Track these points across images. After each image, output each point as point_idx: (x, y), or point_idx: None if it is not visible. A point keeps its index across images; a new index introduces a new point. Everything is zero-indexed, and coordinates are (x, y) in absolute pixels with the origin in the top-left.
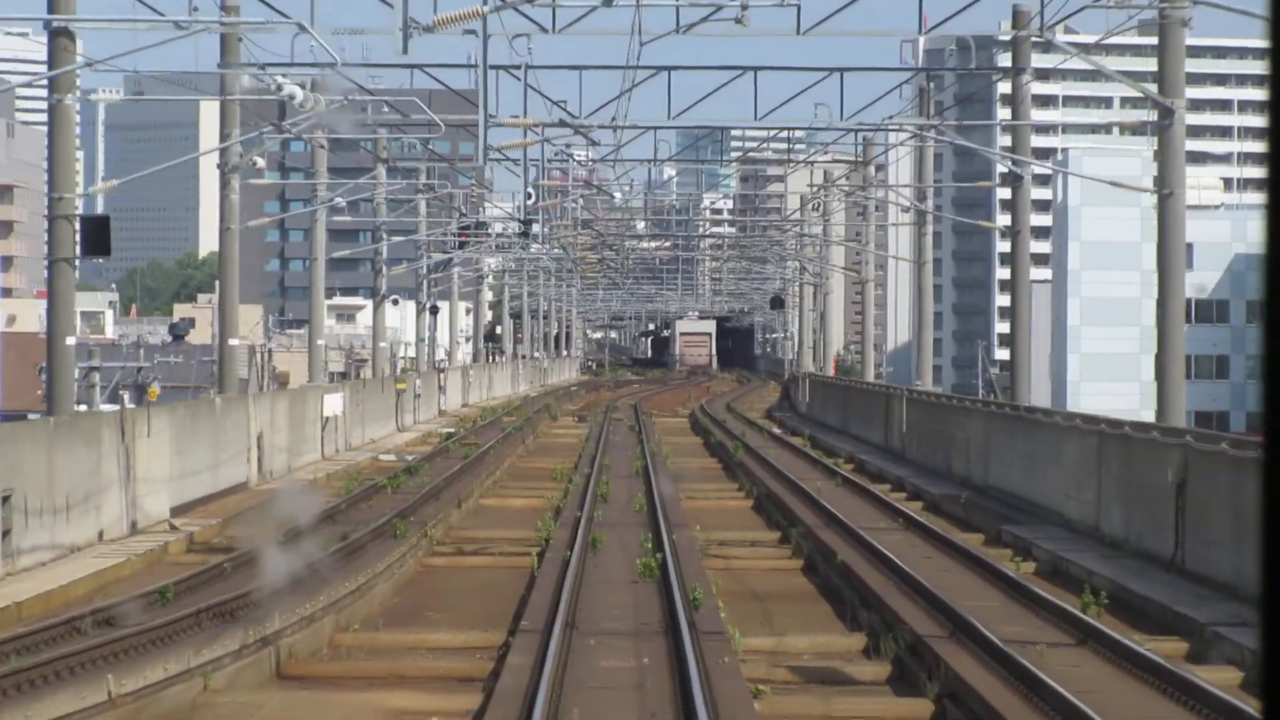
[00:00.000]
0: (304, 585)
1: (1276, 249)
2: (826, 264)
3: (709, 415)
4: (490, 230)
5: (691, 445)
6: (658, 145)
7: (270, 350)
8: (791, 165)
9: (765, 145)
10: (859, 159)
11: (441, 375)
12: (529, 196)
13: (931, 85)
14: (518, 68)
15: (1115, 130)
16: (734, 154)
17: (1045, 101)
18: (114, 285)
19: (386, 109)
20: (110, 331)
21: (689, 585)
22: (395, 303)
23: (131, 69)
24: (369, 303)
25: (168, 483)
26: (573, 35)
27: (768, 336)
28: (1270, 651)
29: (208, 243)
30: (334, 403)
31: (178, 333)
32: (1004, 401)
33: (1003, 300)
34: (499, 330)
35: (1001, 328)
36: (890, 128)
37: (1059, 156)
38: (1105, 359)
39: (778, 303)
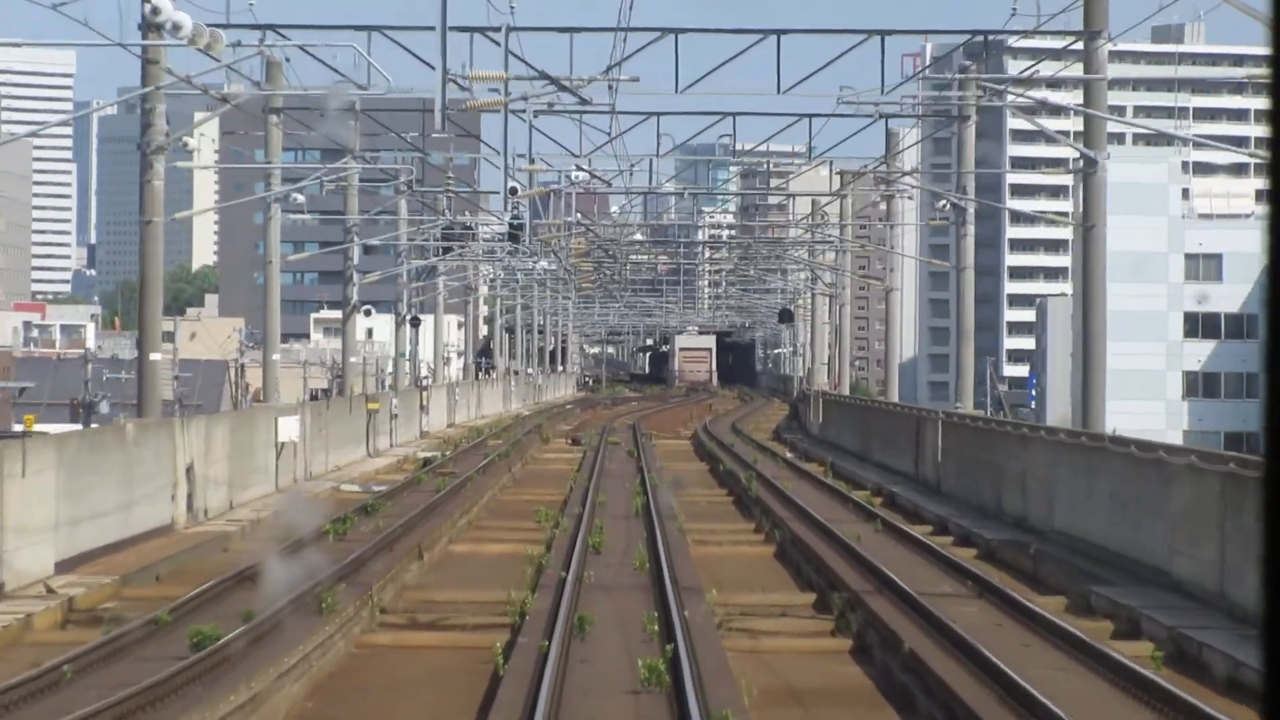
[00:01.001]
0: (175, 694)
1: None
2: (842, 272)
3: (713, 437)
4: (475, 232)
5: (696, 473)
6: (655, 175)
7: (243, 366)
8: (800, 166)
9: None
10: (884, 158)
11: (424, 393)
12: (514, 192)
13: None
14: (497, 29)
15: (1129, 139)
16: (735, 166)
17: (1056, 111)
18: (96, 299)
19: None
20: (91, 345)
21: (711, 700)
22: (368, 313)
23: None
24: (358, 316)
25: (52, 532)
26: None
27: (769, 352)
28: (1272, 657)
29: (201, 255)
30: (290, 426)
31: None
32: (1079, 430)
33: (1012, 315)
34: (493, 345)
35: (1011, 343)
36: (905, 111)
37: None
38: (1128, 375)
39: (787, 316)
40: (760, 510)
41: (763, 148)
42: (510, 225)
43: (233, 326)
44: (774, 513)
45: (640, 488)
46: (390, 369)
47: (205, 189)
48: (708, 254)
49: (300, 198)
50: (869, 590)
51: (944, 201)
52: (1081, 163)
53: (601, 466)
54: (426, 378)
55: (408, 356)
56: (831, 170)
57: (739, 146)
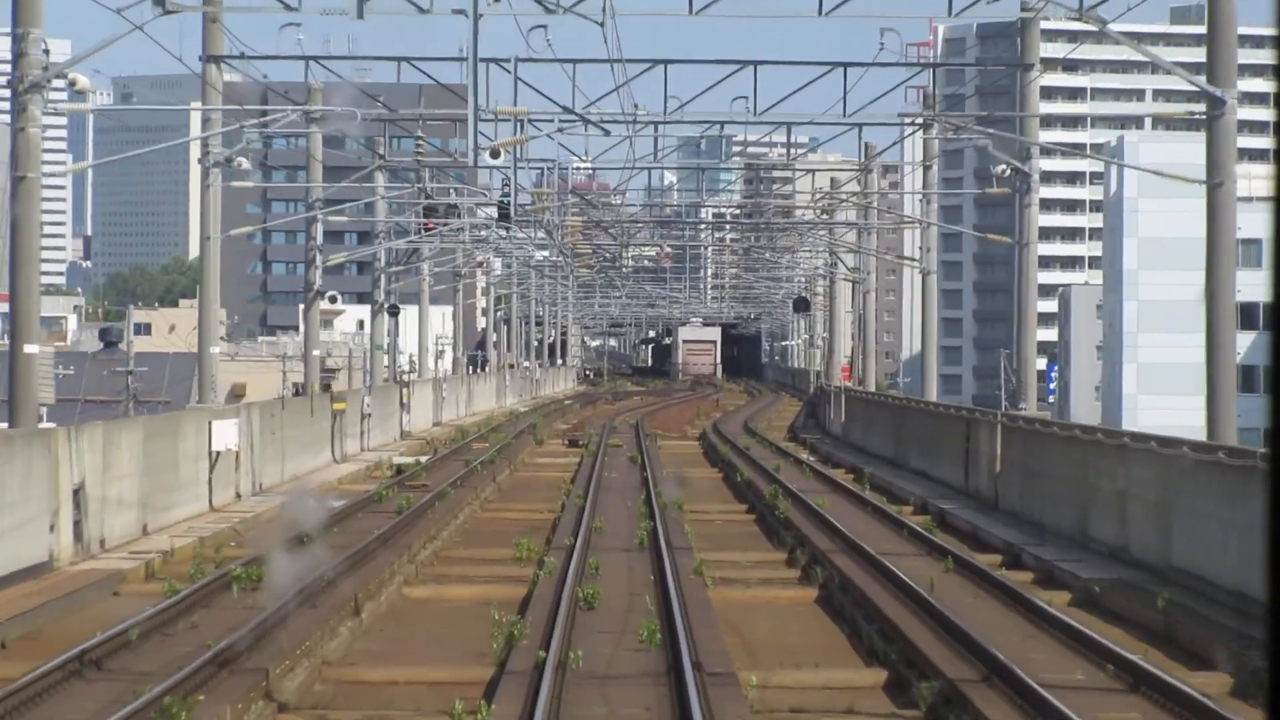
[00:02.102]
0: None
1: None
2: (866, 254)
3: (725, 439)
4: (460, 210)
5: (709, 483)
6: (658, 146)
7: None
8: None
9: (769, 143)
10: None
11: (405, 390)
12: (494, 154)
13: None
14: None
15: (1148, 124)
16: (736, 153)
17: (1074, 94)
18: (78, 289)
19: (381, 103)
20: (71, 337)
21: None
22: (333, 299)
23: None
24: (349, 308)
25: None
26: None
27: (776, 344)
28: (1275, 657)
29: (196, 248)
30: (226, 432)
31: (109, 339)
32: (1213, 444)
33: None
34: (488, 337)
35: None
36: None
37: (1111, 144)
38: (1166, 370)
39: (803, 305)
40: (793, 537)
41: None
42: (499, 205)
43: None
44: (810, 540)
45: (645, 506)
46: (386, 362)
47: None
48: (713, 234)
49: (245, 162)
50: (970, 678)
51: (1003, 166)
52: (1206, 104)
53: (600, 476)
54: (410, 372)
55: (385, 349)
56: (861, 135)
57: (745, 137)
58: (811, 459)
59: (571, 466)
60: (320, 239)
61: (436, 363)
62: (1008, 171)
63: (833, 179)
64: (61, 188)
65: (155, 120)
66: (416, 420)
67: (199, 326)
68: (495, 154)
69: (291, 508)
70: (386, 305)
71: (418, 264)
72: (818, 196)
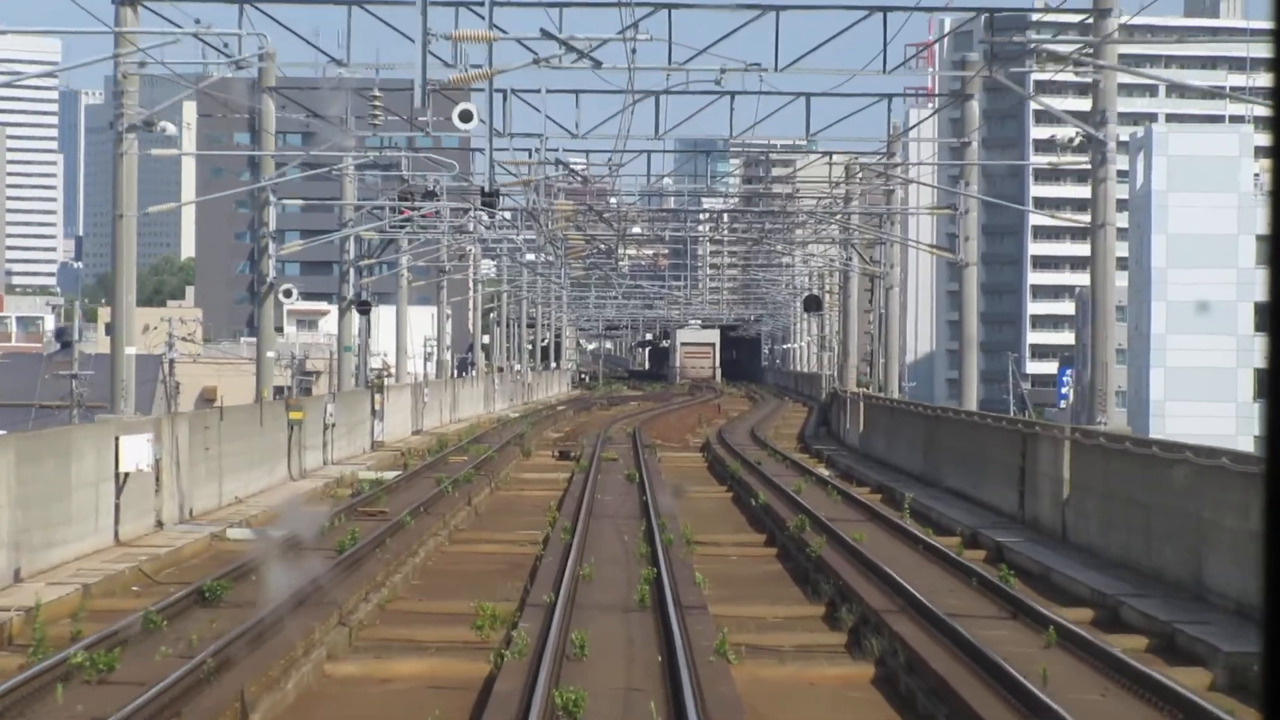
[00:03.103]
0: None
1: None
2: (888, 244)
3: (732, 450)
4: (439, 190)
5: (718, 506)
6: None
7: (172, 361)
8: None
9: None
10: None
11: (378, 396)
12: (466, 117)
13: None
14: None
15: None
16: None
17: (1084, 90)
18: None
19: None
20: (48, 338)
21: None
22: (288, 293)
23: None
24: (334, 309)
25: None
26: None
27: (777, 347)
28: (1271, 658)
29: (190, 247)
30: (138, 450)
31: (64, 339)
32: None
33: (1035, 308)
34: (476, 337)
35: (1034, 338)
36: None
37: (1138, 132)
38: (1196, 374)
39: (813, 303)
40: (831, 585)
41: (761, 137)
42: (482, 191)
43: (192, 317)
44: (853, 591)
45: (644, 540)
46: (367, 366)
47: (193, 178)
48: (720, 220)
49: (170, 127)
50: None
51: (1073, 133)
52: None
53: (593, 499)
54: (385, 375)
55: (355, 351)
56: (890, 109)
57: (735, 134)
58: (829, 474)
59: (561, 484)
60: (273, 224)
61: (429, 365)
62: (1077, 139)
63: (846, 167)
64: (52, 188)
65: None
66: (393, 429)
67: (112, 322)
68: (466, 117)
69: (238, 533)
70: (356, 302)
71: (395, 257)
72: (836, 181)
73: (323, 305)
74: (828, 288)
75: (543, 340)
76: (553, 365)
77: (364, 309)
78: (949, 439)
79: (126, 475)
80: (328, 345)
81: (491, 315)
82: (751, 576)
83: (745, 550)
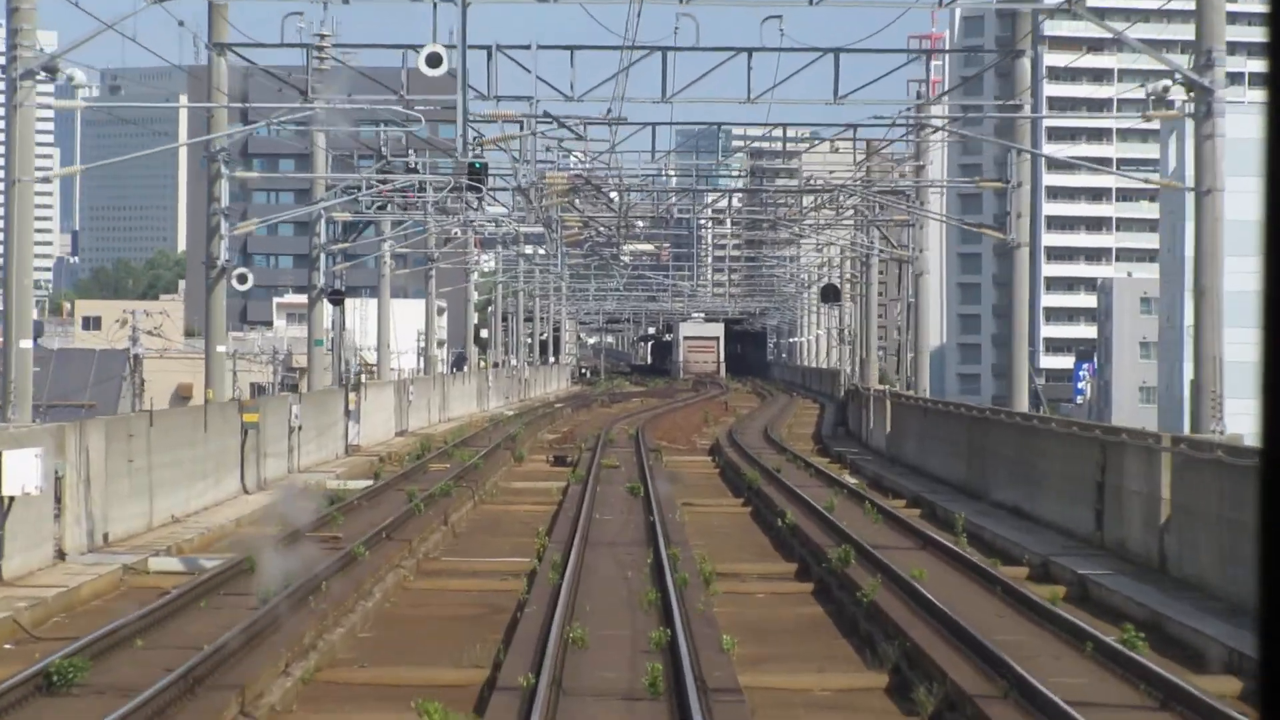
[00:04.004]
0: None
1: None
2: (919, 226)
3: (745, 454)
4: (424, 174)
5: (735, 524)
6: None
7: (137, 356)
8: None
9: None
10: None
11: (353, 395)
12: (433, 61)
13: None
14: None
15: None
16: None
17: (1099, 76)
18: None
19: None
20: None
21: None
22: (243, 279)
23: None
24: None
25: None
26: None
27: (783, 341)
28: (1268, 657)
29: (185, 242)
30: (23, 468)
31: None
32: None
33: (1049, 300)
34: (484, 334)
35: (1048, 331)
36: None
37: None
38: (1233, 369)
39: (831, 293)
40: (896, 647)
41: (781, 99)
42: (470, 167)
43: (159, 310)
44: (929, 660)
45: (653, 581)
46: (341, 361)
47: (189, 172)
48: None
49: (79, 74)
50: None
51: (1166, 81)
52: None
53: (589, 521)
54: (365, 371)
55: (327, 345)
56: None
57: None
58: (855, 482)
59: (554, 496)
60: (226, 198)
61: (423, 360)
62: (1173, 85)
63: (869, 143)
64: (48, 182)
65: (145, 113)
66: (373, 430)
67: (4, 310)
68: (434, 61)
69: (162, 563)
70: (328, 292)
71: (376, 239)
72: (859, 160)
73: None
74: (847, 275)
75: (541, 334)
76: (552, 360)
77: (336, 299)
78: (998, 445)
79: (11, 500)
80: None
81: (489, 309)
82: (787, 626)
83: (774, 585)
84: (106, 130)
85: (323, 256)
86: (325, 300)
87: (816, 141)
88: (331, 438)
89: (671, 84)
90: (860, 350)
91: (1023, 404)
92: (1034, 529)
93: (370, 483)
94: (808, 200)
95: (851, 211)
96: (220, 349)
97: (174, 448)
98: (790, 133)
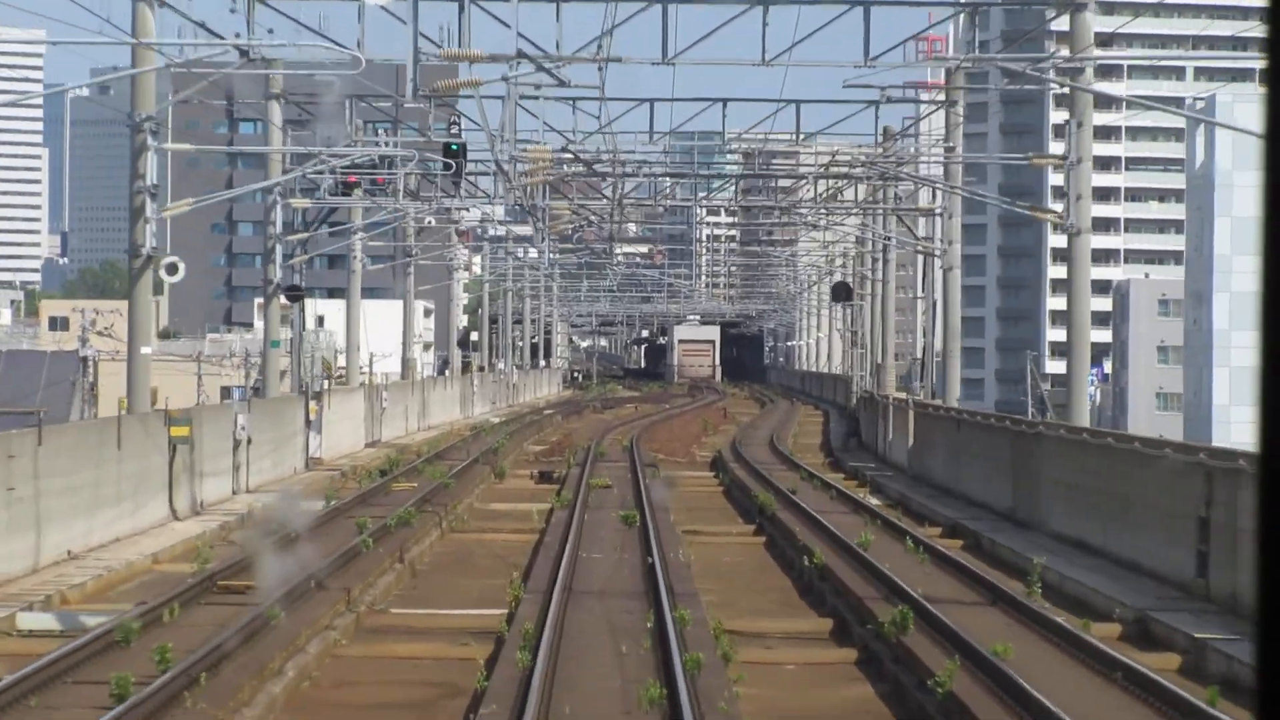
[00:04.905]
0: None
1: (1275, 249)
2: (948, 216)
3: (752, 469)
4: (396, 159)
5: (749, 560)
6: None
7: (85, 359)
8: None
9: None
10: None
11: (313, 404)
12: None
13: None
14: None
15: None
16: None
17: (1108, 71)
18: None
19: None
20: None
21: None
22: (173, 270)
23: None
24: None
25: None
26: None
27: (781, 344)
28: (1266, 657)
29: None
30: None
31: None
32: None
33: (1056, 303)
34: (473, 336)
35: (1054, 335)
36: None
37: (1193, 103)
38: (1243, 375)
39: (843, 292)
40: None
41: (759, 134)
42: (446, 148)
43: (119, 310)
44: None
45: (655, 658)
46: (301, 365)
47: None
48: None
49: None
50: None
51: None
52: None
53: (574, 561)
54: (330, 376)
55: (286, 347)
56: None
57: (732, 133)
58: (876, 502)
59: (536, 522)
60: (153, 175)
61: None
62: None
63: (885, 128)
64: (37, 183)
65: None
66: (339, 441)
67: None
68: None
69: (31, 619)
70: (285, 288)
71: (346, 226)
72: (883, 136)
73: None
74: (862, 271)
75: (532, 336)
76: (542, 364)
77: (295, 295)
78: (1054, 466)
79: None
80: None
81: (479, 311)
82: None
83: (807, 651)
84: (98, 130)
85: (278, 247)
86: (283, 297)
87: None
88: (290, 451)
89: (674, 44)
90: (875, 354)
91: (1084, 416)
92: (1111, 570)
93: (333, 497)
94: (817, 186)
95: (867, 197)
96: (145, 350)
97: (73, 470)
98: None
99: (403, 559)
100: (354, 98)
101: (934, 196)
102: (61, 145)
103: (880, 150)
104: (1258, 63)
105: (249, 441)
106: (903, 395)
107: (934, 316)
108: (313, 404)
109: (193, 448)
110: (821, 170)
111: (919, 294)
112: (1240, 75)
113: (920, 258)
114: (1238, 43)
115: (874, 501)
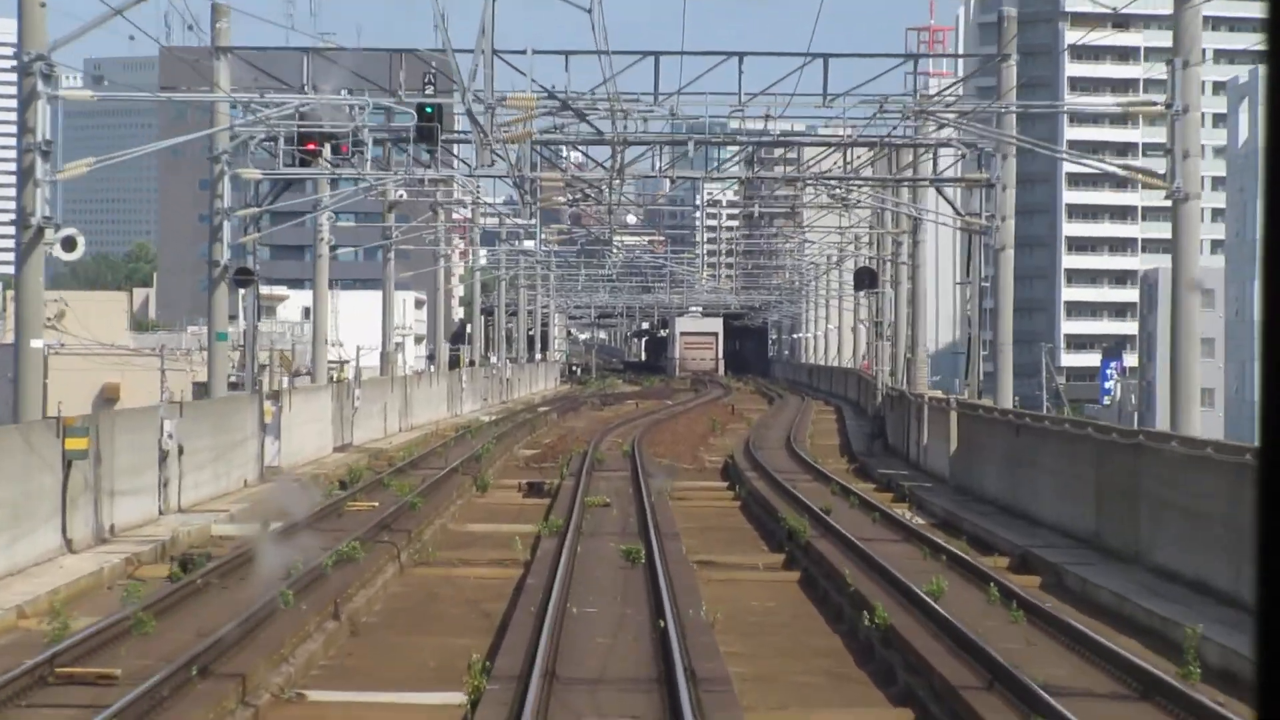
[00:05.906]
0: None
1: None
2: (1001, 189)
3: (772, 480)
4: (362, 137)
5: (782, 605)
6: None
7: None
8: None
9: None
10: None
11: (270, 404)
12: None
13: None
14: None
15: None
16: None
17: (1124, 55)
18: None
19: None
20: None
21: None
22: (70, 245)
23: None
24: (292, 293)
25: None
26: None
27: (786, 336)
28: (1265, 656)
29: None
30: None
31: None
32: None
33: (1070, 294)
34: (469, 329)
35: (1069, 327)
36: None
37: (1239, 76)
38: None
39: (866, 278)
40: None
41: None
42: (420, 110)
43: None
44: None
45: None
46: (255, 359)
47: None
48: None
49: None
50: None
51: None
52: None
53: (560, 617)
54: (287, 372)
55: (236, 340)
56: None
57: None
58: (908, 515)
59: (521, 552)
60: (45, 128)
61: (403, 358)
62: None
63: (922, 96)
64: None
65: (126, 104)
66: (301, 447)
67: None
68: None
69: None
70: (234, 272)
71: (310, 198)
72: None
73: (281, 290)
74: (884, 254)
75: (528, 329)
76: (539, 357)
77: (244, 279)
78: (1157, 483)
79: None
80: (285, 334)
81: (470, 301)
82: None
83: None
84: (86, 121)
85: (225, 224)
86: (230, 281)
87: (813, 133)
88: (239, 460)
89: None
90: (905, 347)
91: (1195, 424)
92: (1228, 616)
93: (279, 524)
94: (846, 155)
95: (904, 168)
96: (35, 344)
97: None
98: (788, 127)
99: (338, 614)
100: (310, 50)
101: (980, 165)
102: (55, 137)
103: (919, 107)
104: None
105: (180, 451)
106: (940, 394)
107: (979, 303)
108: (269, 405)
109: (97, 462)
110: (850, 138)
111: (960, 279)
112: (1260, 57)
113: (955, 237)
114: (1257, 24)
115: (919, 521)
